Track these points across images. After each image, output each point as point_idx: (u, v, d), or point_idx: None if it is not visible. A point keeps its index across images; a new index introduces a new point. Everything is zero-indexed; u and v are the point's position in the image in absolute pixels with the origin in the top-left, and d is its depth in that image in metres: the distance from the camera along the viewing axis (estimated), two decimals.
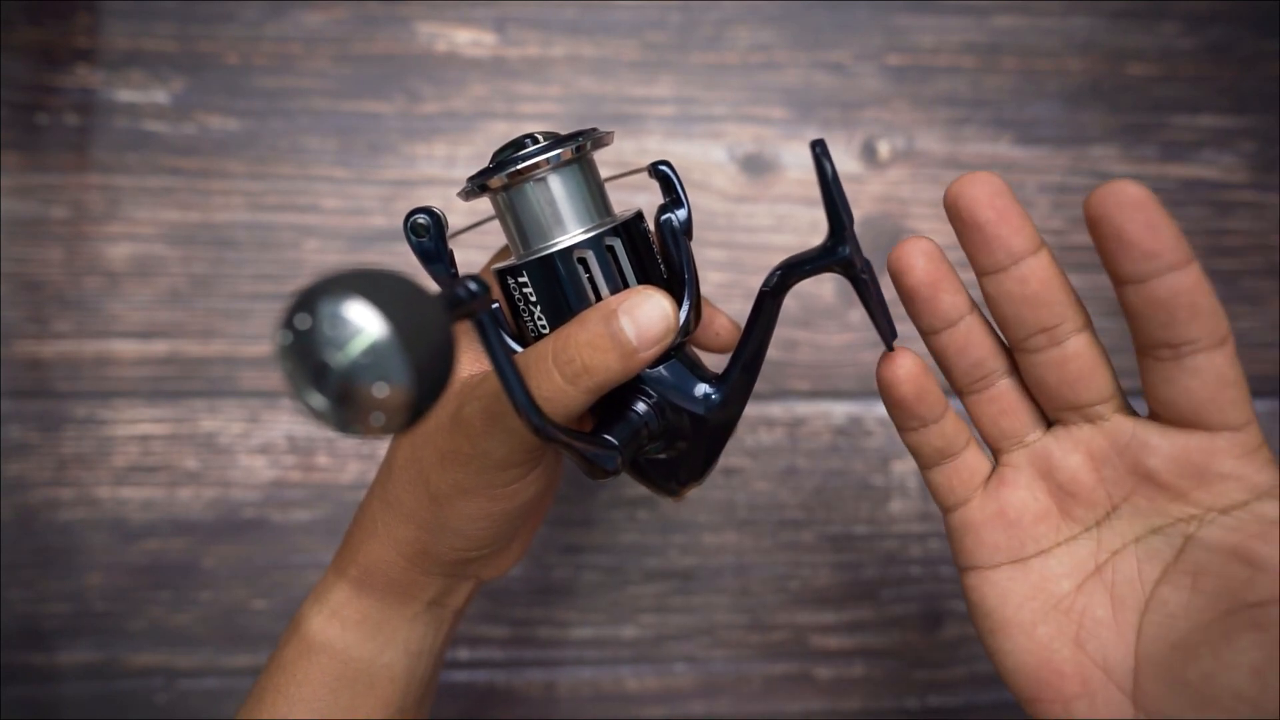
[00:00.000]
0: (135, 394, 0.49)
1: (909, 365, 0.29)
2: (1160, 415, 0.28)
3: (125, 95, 0.49)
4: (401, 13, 0.50)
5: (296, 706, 0.33)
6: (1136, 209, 0.25)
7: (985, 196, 0.27)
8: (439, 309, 0.21)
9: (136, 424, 0.49)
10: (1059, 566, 0.30)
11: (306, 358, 0.20)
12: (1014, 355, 0.29)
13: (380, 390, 0.20)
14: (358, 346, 0.19)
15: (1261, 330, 0.51)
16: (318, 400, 0.20)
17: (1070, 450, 0.29)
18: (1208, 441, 0.27)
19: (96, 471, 0.48)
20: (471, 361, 0.32)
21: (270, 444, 0.49)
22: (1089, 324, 0.28)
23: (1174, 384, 0.27)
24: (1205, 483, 0.27)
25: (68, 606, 0.48)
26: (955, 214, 0.27)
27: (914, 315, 0.29)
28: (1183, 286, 0.25)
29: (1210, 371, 0.26)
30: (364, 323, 0.19)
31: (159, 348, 0.49)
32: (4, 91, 0.49)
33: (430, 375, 0.20)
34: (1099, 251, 0.26)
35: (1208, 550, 0.27)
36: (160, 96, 0.49)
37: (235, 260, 0.49)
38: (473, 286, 0.23)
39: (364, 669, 0.34)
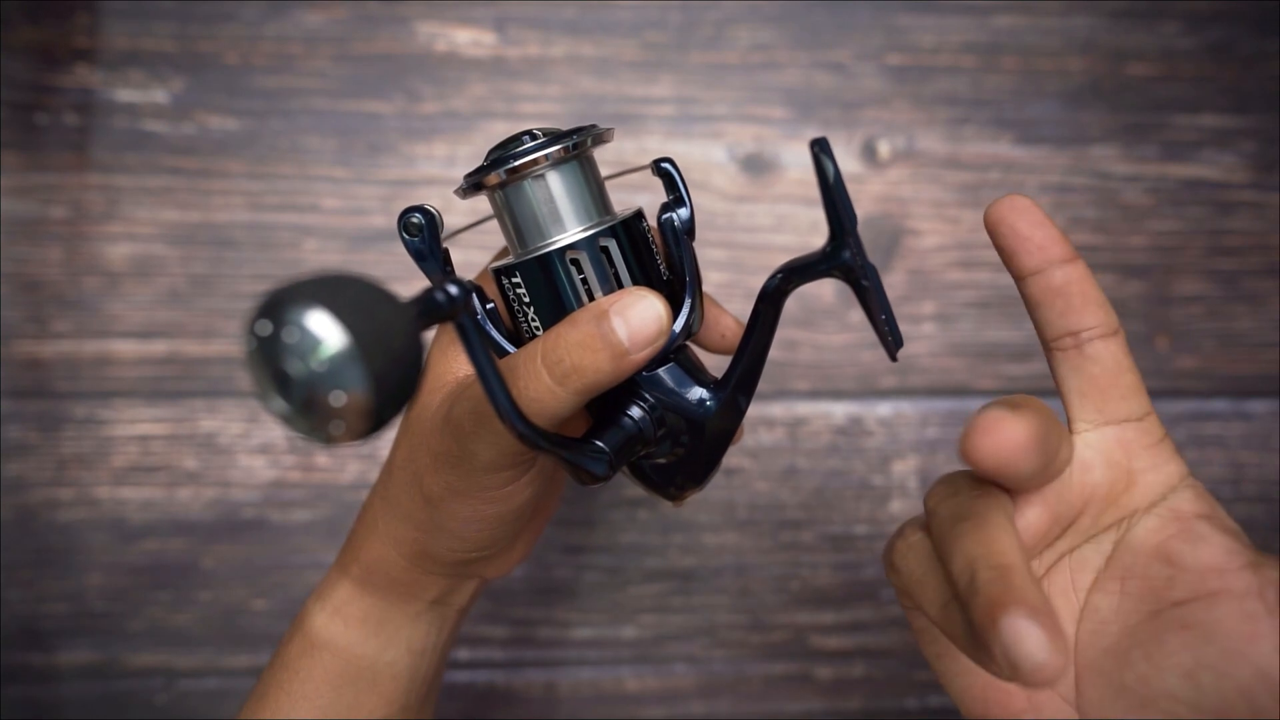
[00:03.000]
0: (135, 394, 0.49)
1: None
2: (1073, 420, 0.29)
3: (125, 95, 0.49)
4: (401, 13, 0.50)
5: (299, 704, 0.33)
6: (1026, 211, 0.28)
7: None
8: (405, 315, 0.21)
9: (136, 424, 0.49)
10: None
11: (267, 365, 0.20)
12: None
13: (337, 399, 0.19)
14: (314, 356, 0.19)
15: (1261, 330, 0.51)
16: (280, 405, 0.20)
17: None
18: (1119, 434, 0.28)
19: (96, 471, 0.48)
20: (467, 361, 0.32)
21: (270, 444, 0.49)
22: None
23: (1080, 373, 0.28)
24: (1129, 484, 0.28)
25: (67, 606, 0.48)
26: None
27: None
28: (1074, 277, 0.28)
29: (1109, 358, 0.28)
30: (322, 332, 0.19)
31: (159, 348, 0.49)
32: (4, 91, 0.49)
33: (391, 383, 0.20)
34: (1000, 252, 0.29)
35: (1132, 553, 0.28)
36: (160, 96, 0.49)
37: (235, 260, 0.49)
38: (452, 291, 0.23)
39: (367, 666, 0.34)
